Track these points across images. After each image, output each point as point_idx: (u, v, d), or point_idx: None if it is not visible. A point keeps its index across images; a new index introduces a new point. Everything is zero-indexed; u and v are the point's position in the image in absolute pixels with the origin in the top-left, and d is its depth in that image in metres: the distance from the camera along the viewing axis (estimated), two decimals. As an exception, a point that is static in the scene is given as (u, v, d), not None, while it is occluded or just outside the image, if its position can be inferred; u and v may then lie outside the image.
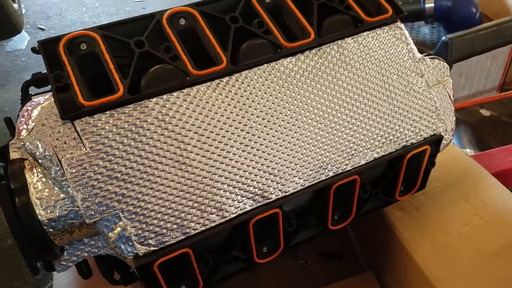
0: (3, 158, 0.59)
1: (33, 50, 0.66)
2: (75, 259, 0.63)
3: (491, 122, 1.42)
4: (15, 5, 1.60)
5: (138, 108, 0.58)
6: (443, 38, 1.24)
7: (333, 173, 0.69)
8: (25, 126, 0.56)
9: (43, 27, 2.29)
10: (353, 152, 0.70)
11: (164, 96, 0.59)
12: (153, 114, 0.59)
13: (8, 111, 1.71)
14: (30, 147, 0.56)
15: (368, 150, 0.71)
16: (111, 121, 0.57)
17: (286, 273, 1.01)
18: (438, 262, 0.78)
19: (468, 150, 1.34)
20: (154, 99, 0.59)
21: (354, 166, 0.70)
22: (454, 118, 0.79)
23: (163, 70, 0.60)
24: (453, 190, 0.87)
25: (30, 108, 0.58)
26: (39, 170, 0.58)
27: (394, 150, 0.72)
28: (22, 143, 0.56)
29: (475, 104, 1.39)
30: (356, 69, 0.69)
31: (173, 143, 0.60)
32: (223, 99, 0.62)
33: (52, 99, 0.56)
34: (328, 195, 0.69)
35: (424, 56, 0.78)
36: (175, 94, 0.60)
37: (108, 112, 0.57)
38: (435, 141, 0.76)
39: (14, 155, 0.59)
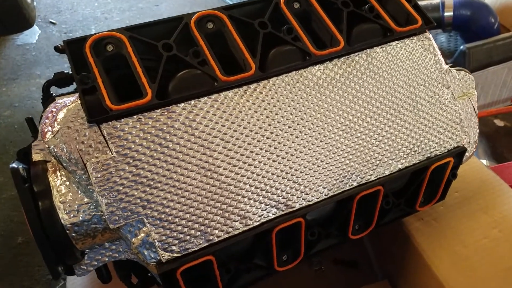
0: (25, 160, 0.58)
1: (57, 49, 0.65)
2: (96, 263, 0.62)
3: (504, 132, 1.41)
4: (29, -1, 1.59)
5: (166, 113, 0.57)
6: (462, 47, 1.23)
7: (357, 183, 0.68)
8: (50, 128, 0.55)
9: (54, 21, 2.27)
10: (378, 162, 0.69)
11: (192, 102, 0.58)
12: (180, 120, 0.58)
13: (18, 106, 1.69)
14: (55, 150, 0.55)
15: (393, 161, 0.70)
16: (138, 126, 0.56)
17: (300, 280, 1.00)
18: (457, 274, 0.78)
19: (483, 161, 1.33)
20: (181, 105, 0.58)
21: (379, 176, 0.69)
22: (478, 130, 0.78)
23: (191, 75, 0.59)
24: (472, 202, 0.87)
25: (55, 110, 0.56)
26: (63, 173, 0.57)
27: (418, 161, 0.71)
28: (47, 146, 0.55)
29: (490, 115, 1.38)
30: (383, 78, 0.68)
31: (199, 150, 0.59)
32: (250, 106, 0.61)
33: (78, 102, 0.55)
34: (351, 205, 0.69)
35: (450, 67, 0.77)
36: (202, 100, 0.59)
37: (135, 116, 0.56)
38: (459, 153, 0.75)
39: (36, 157, 0.58)
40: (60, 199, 0.56)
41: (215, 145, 0.59)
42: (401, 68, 0.69)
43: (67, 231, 0.56)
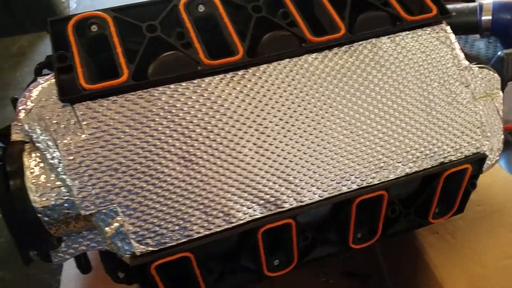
0: (6, 140, 0.57)
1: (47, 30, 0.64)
2: (73, 251, 0.59)
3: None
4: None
5: (144, 96, 0.54)
6: (499, 53, 1.12)
7: (357, 185, 0.61)
8: (24, 107, 0.53)
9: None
10: (382, 164, 0.62)
11: (172, 86, 0.55)
12: (159, 104, 0.54)
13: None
14: (28, 129, 0.53)
15: (400, 164, 0.63)
16: (113, 108, 0.53)
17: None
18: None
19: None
20: (160, 88, 0.55)
21: (382, 180, 0.62)
22: (502, 136, 0.70)
23: (173, 57, 0.56)
24: (495, 218, 0.77)
25: (31, 88, 0.55)
26: (38, 154, 0.55)
27: (430, 166, 0.64)
28: (20, 124, 0.53)
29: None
30: (391, 72, 0.62)
31: (179, 137, 0.55)
32: (237, 93, 0.57)
33: (53, 80, 0.53)
34: (350, 209, 0.62)
35: (472, 65, 0.69)
36: (184, 84, 0.55)
37: (111, 98, 0.53)
38: (478, 160, 0.67)
39: (16, 137, 0.56)
40: (33, 181, 0.53)
41: (197, 134, 0.55)
42: (411, 61, 0.63)
43: (39, 215, 0.53)
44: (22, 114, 0.53)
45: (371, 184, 0.62)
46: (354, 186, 0.61)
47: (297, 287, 0.95)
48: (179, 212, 0.55)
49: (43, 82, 0.53)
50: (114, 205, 0.53)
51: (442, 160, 0.65)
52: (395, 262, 0.90)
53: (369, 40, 0.61)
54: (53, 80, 0.53)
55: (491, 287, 0.69)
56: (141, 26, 0.56)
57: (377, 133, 0.62)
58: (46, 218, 0.54)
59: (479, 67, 0.68)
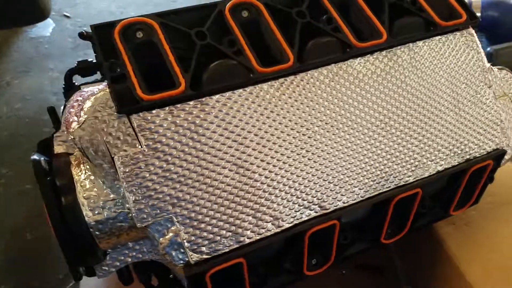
0: (46, 152, 0.55)
1: (81, 35, 0.61)
2: (118, 264, 0.58)
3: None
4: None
5: (199, 106, 0.53)
6: (488, 49, 1.18)
7: (395, 185, 0.64)
8: (75, 118, 0.51)
9: (68, 15, 2.23)
10: (417, 163, 0.65)
11: (226, 94, 0.55)
12: (213, 113, 0.54)
13: (30, 99, 1.65)
14: (81, 141, 0.51)
15: (432, 162, 0.66)
16: (169, 118, 0.52)
17: (319, 284, 0.96)
18: (490, 282, 0.74)
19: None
20: (215, 97, 0.54)
21: (417, 178, 0.65)
22: (519, 132, 0.74)
23: (225, 65, 0.55)
24: (507, 208, 0.83)
25: (80, 98, 0.53)
26: (87, 167, 0.53)
27: (457, 163, 0.68)
28: (72, 137, 0.51)
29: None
30: (426, 75, 0.64)
31: (232, 145, 0.55)
32: (286, 100, 0.57)
33: (107, 90, 0.52)
34: (388, 208, 0.65)
35: (492, 66, 0.73)
36: (237, 92, 0.55)
37: (167, 108, 0.52)
38: (498, 156, 0.71)
39: (59, 148, 0.55)
40: (84, 195, 0.52)
41: (249, 141, 0.56)
42: (443, 64, 0.65)
43: (91, 229, 0.52)
44: (74, 125, 0.51)
45: (407, 182, 0.64)
46: (392, 186, 0.64)
47: (311, 278, 0.98)
48: (231, 218, 0.55)
49: (96, 92, 0.51)
50: (170, 215, 0.53)
51: (468, 157, 0.68)
52: (409, 253, 0.94)
53: (407, 45, 0.63)
54: (107, 90, 0.51)
55: (507, 272, 0.74)
56: (190, 33, 0.55)
57: (412, 134, 0.64)
58: (97, 233, 0.53)
59: (498, 69, 0.72)
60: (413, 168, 0.65)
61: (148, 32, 0.56)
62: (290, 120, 0.57)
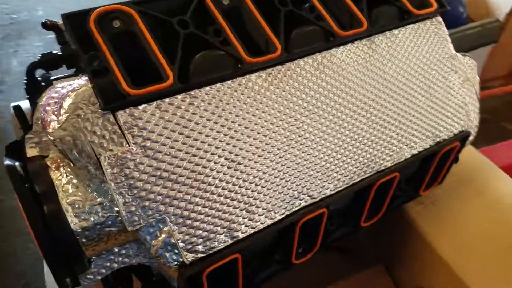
0: (17, 156, 0.49)
1: (45, 25, 0.56)
2: (104, 271, 0.54)
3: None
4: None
5: (187, 99, 0.51)
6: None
7: (376, 170, 0.65)
8: (54, 118, 0.47)
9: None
10: (394, 148, 0.67)
11: (215, 86, 0.52)
12: (203, 106, 0.52)
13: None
14: (62, 143, 0.47)
15: (407, 147, 0.68)
16: (157, 113, 0.49)
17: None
18: (461, 255, 0.78)
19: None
20: (204, 89, 0.52)
21: (395, 162, 0.67)
22: (479, 115, 0.79)
23: (213, 56, 0.53)
24: (468, 185, 0.88)
25: (56, 95, 0.48)
26: (68, 169, 0.49)
27: (429, 146, 0.71)
28: (52, 138, 0.47)
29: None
30: (401, 62, 0.66)
31: (223, 139, 0.53)
32: (274, 90, 0.56)
33: (89, 85, 0.47)
34: (369, 192, 0.66)
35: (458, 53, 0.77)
36: (226, 84, 0.53)
37: (154, 102, 0.49)
38: (464, 138, 0.75)
39: (32, 151, 0.49)
40: (68, 200, 0.48)
41: (240, 134, 0.54)
42: (416, 52, 0.68)
43: (77, 237, 0.48)
44: (54, 125, 0.46)
45: (386, 167, 0.66)
46: (373, 171, 0.65)
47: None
48: (225, 214, 0.54)
49: (77, 87, 0.46)
50: (162, 216, 0.50)
51: (438, 140, 0.72)
52: (378, 234, 0.97)
53: (384, 33, 0.64)
54: (88, 85, 0.47)
55: (474, 245, 0.80)
56: (172, 22, 0.52)
57: (390, 120, 0.66)
58: (84, 240, 0.49)
59: (462, 55, 0.76)
60: (391, 153, 0.67)
61: (125, 21, 0.52)
62: (278, 111, 0.57)
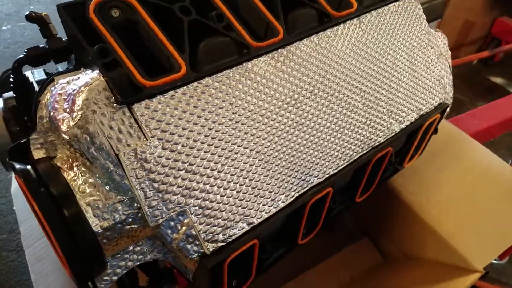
0: (23, 159, 0.46)
1: (29, 17, 0.52)
2: (119, 271, 0.53)
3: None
4: None
5: (199, 88, 0.50)
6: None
7: (371, 147, 0.68)
8: (66, 115, 0.44)
9: None
10: (385, 123, 0.70)
11: (224, 73, 0.52)
12: (214, 94, 0.51)
13: None
14: (79, 141, 0.44)
15: (396, 122, 0.72)
16: (172, 104, 0.48)
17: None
18: (446, 220, 0.84)
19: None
20: (214, 76, 0.51)
21: (387, 138, 0.70)
22: (452, 87, 0.84)
23: (219, 42, 0.52)
24: (443, 154, 0.94)
25: (63, 91, 0.45)
26: (83, 169, 0.46)
27: (414, 119, 0.75)
28: (67, 137, 0.44)
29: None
30: (387, 40, 0.69)
31: (235, 126, 0.53)
32: (278, 73, 0.56)
33: (101, 79, 0.45)
34: (366, 169, 0.69)
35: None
36: (235, 70, 0.53)
37: (168, 93, 0.48)
38: (443, 109, 0.80)
39: (38, 153, 0.46)
40: (86, 201, 0.46)
41: (250, 120, 0.54)
42: (399, 30, 0.71)
43: (98, 238, 0.46)
44: (68, 124, 0.43)
45: (380, 143, 0.69)
46: (369, 148, 0.68)
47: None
48: (241, 201, 0.54)
49: (90, 82, 0.44)
50: (182, 208, 0.49)
51: (421, 113, 0.76)
52: (363, 207, 1.01)
53: (371, 13, 0.66)
54: (101, 79, 0.44)
55: (457, 208, 0.85)
56: (173, 8, 0.51)
57: (381, 97, 0.69)
58: (105, 240, 0.47)
59: (435, 31, 0.80)
60: (383, 129, 0.70)
61: (125, 10, 0.49)
62: (284, 95, 0.57)
